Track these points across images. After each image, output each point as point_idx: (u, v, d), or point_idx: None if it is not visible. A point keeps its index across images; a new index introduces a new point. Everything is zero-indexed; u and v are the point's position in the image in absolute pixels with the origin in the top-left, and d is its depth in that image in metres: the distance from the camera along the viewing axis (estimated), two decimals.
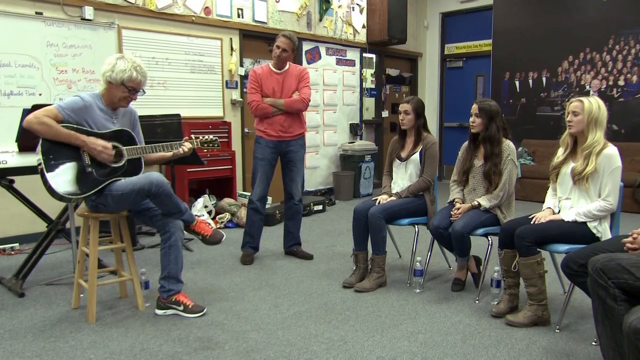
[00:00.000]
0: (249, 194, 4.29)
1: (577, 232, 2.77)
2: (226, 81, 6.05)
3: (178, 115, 4.77)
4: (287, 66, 4.07)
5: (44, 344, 2.61)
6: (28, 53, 4.54)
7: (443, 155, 9.06)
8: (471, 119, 3.33)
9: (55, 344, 2.62)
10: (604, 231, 2.77)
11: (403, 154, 3.65)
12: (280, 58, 3.99)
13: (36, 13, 4.58)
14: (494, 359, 2.46)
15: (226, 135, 5.86)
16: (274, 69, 4.05)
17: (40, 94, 4.60)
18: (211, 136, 3.26)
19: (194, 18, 5.65)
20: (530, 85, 7.85)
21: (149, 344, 2.61)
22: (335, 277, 3.68)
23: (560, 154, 2.95)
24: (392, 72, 8.73)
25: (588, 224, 2.78)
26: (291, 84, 4.05)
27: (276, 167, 4.19)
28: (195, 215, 3.22)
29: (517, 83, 7.98)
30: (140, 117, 3.74)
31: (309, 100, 4.10)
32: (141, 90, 2.92)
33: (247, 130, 6.28)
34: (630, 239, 2.26)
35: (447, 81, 9.29)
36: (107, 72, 2.80)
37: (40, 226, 3.91)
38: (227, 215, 5.44)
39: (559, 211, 2.93)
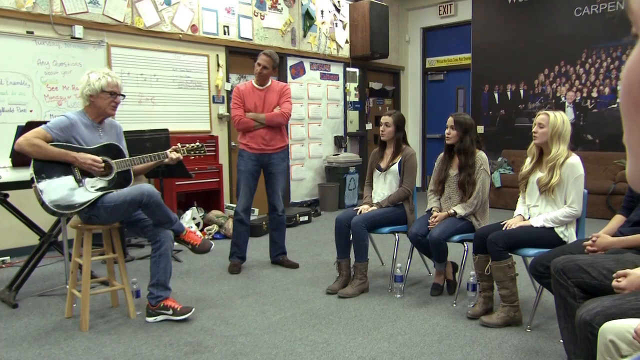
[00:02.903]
0: (235, 206, 4.44)
1: (545, 237, 2.95)
2: (213, 96, 6.21)
3: (166, 130, 4.91)
4: (269, 82, 4.25)
5: (39, 351, 2.72)
6: (19, 71, 4.66)
7: (425, 166, 9.27)
8: (447, 131, 3.53)
9: (50, 350, 2.73)
10: (570, 235, 2.96)
11: (382, 165, 3.82)
12: (261, 75, 4.17)
13: (27, 32, 4.71)
14: (468, 356, 2.62)
15: (213, 148, 6.00)
16: (256, 85, 4.23)
17: (31, 111, 4.72)
18: (197, 143, 3.41)
19: (181, 36, 5.82)
20: (509, 97, 8.11)
21: (141, 350, 2.73)
22: (319, 285, 3.83)
23: (528, 163, 3.14)
24: (375, 85, 8.95)
25: (555, 229, 2.96)
26: (273, 99, 4.23)
27: (260, 179, 4.35)
28: None
29: (496, 95, 8.24)
30: (129, 132, 3.89)
31: (290, 115, 4.28)
32: (121, 95, 3.07)
33: (233, 144, 6.42)
34: (590, 242, 2.45)
35: (428, 94, 9.54)
36: (85, 88, 2.97)
37: (31, 239, 4.03)
38: (215, 227, 5.56)
39: (529, 217, 3.12)
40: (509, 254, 2.98)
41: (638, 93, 0.32)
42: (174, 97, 5.82)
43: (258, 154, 4.21)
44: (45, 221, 3.89)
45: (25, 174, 3.22)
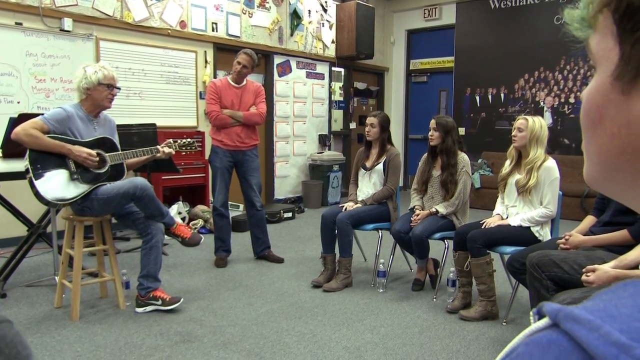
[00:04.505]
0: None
1: (521, 235, 3.11)
2: (200, 92, 6.26)
3: (154, 124, 4.96)
4: (244, 82, 4.32)
5: (31, 339, 2.77)
6: (7, 62, 4.66)
7: (408, 166, 9.44)
8: (430, 133, 3.66)
9: (42, 339, 2.78)
10: (545, 234, 3.11)
11: (368, 164, 3.95)
12: (240, 73, 4.24)
13: (16, 23, 4.71)
14: (448, 347, 2.76)
15: (200, 144, 6.05)
16: (232, 83, 4.29)
17: (18, 102, 4.72)
18: (188, 140, 3.50)
19: (169, 31, 5.86)
20: (490, 101, 8.31)
21: (132, 338, 2.80)
22: (304, 279, 3.93)
23: (507, 165, 3.29)
24: (360, 85, 9.08)
25: (531, 228, 3.12)
26: (249, 99, 4.31)
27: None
28: None
29: (477, 98, 8.43)
30: (117, 126, 3.94)
31: (265, 115, 4.37)
32: (117, 88, 3.14)
33: None
34: (563, 240, 2.61)
35: (412, 95, 9.69)
36: (82, 82, 3.02)
37: (17, 230, 4.06)
38: (200, 222, 5.63)
39: (507, 217, 3.27)
40: (487, 251, 3.13)
41: (594, 115, 0.43)
42: (162, 92, 5.86)
43: (233, 151, 4.28)
44: (33, 212, 3.93)
45: (16, 165, 3.26)
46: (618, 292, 0.36)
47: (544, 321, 0.36)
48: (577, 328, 0.32)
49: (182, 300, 3.22)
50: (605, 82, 0.41)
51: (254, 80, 4.54)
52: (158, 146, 3.30)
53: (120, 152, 3.15)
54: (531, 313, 0.41)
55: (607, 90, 0.41)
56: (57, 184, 2.90)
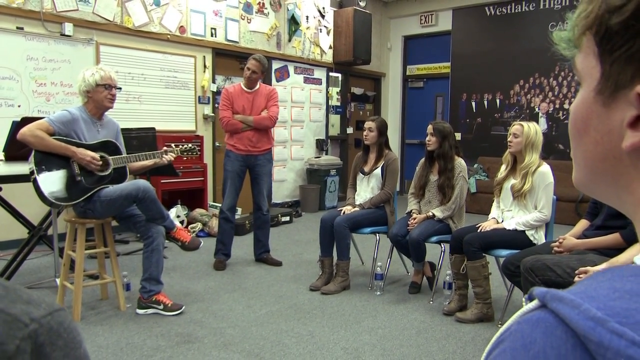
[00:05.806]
0: (219, 204, 4.56)
1: (516, 239, 3.17)
2: (199, 97, 6.31)
3: (153, 128, 5.01)
4: (257, 86, 4.39)
5: None
6: (8, 66, 4.70)
7: (404, 171, 9.49)
8: (427, 138, 3.73)
9: None
10: (539, 238, 3.18)
11: (366, 168, 4.00)
12: (250, 79, 4.31)
13: (17, 28, 4.76)
14: (444, 349, 2.81)
15: (198, 148, 6.08)
16: (245, 89, 4.36)
17: (19, 106, 4.76)
18: (190, 145, 3.57)
19: (169, 36, 5.91)
20: (485, 106, 8.39)
21: (133, 339, 2.84)
22: (303, 282, 3.98)
23: (503, 170, 3.36)
24: (357, 90, 9.15)
25: (526, 232, 3.18)
26: (261, 103, 4.37)
27: (245, 180, 4.49)
28: None
29: (473, 104, 8.51)
30: None
31: (277, 118, 4.42)
32: (117, 87, 3.19)
33: (217, 144, 6.54)
34: (556, 243, 2.67)
35: (408, 100, 9.77)
36: (82, 85, 3.09)
37: (17, 233, 4.08)
38: (199, 225, 5.66)
39: (502, 221, 3.33)
40: (483, 254, 3.19)
41: (580, 125, 0.48)
42: (161, 97, 5.91)
43: (245, 155, 4.34)
44: (34, 215, 3.96)
45: (17, 168, 3.31)
46: (597, 277, 0.41)
47: (534, 303, 0.41)
48: (561, 307, 0.37)
49: (183, 307, 3.26)
50: (589, 96, 0.47)
51: None
52: (164, 152, 3.33)
53: (123, 155, 3.20)
54: (523, 299, 0.46)
55: (590, 103, 0.47)
56: (61, 186, 2.94)
